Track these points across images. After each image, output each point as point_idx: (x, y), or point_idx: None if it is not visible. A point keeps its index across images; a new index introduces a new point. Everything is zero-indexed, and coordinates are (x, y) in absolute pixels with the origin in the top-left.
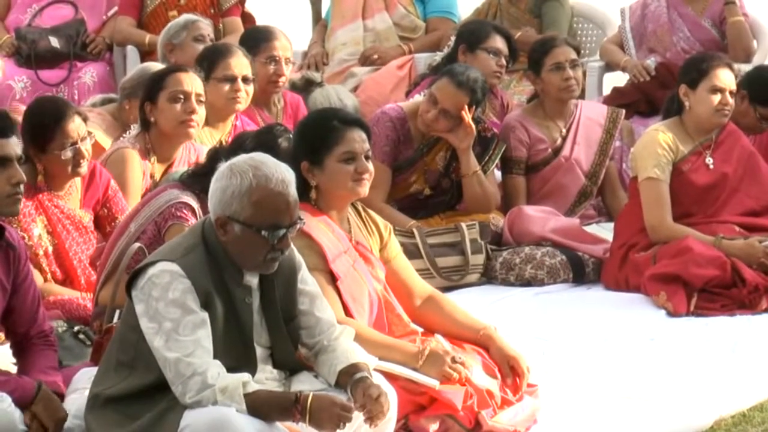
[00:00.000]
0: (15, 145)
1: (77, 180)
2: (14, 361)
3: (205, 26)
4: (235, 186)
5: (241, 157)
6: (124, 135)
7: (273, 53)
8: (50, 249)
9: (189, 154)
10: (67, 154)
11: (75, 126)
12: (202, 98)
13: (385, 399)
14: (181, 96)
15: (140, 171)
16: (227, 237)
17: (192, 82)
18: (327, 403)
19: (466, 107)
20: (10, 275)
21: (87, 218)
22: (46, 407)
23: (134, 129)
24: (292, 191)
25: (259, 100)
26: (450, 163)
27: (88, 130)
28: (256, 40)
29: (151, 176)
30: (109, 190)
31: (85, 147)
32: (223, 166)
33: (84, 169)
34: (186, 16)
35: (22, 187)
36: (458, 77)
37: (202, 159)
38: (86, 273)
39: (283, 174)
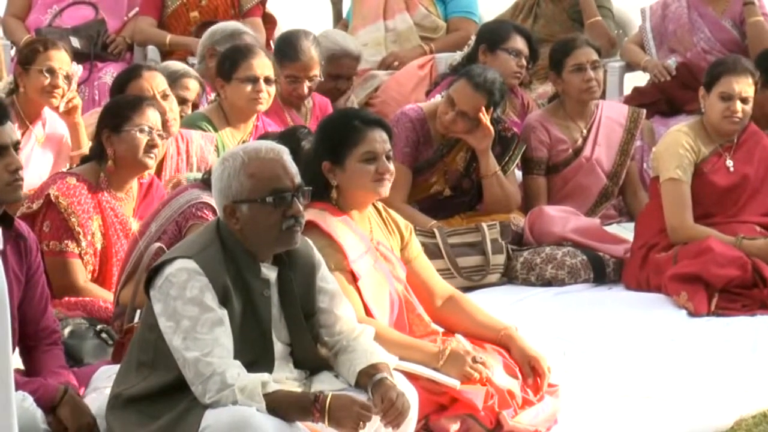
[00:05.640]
0: (10, 132)
1: (135, 187)
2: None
3: (251, 39)
4: (229, 168)
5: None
6: None
7: (296, 74)
8: (98, 249)
9: (178, 143)
10: (143, 136)
11: (153, 114)
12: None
13: (403, 400)
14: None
15: None
16: (239, 224)
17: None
18: (346, 402)
19: (484, 109)
20: (23, 266)
21: (135, 227)
22: (72, 411)
23: None
24: (287, 158)
25: (287, 100)
26: (470, 163)
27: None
28: (283, 54)
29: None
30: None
31: (161, 140)
32: (216, 161)
33: (152, 161)
34: (235, 26)
35: (21, 173)
36: (476, 79)
37: (192, 145)
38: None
39: (274, 144)
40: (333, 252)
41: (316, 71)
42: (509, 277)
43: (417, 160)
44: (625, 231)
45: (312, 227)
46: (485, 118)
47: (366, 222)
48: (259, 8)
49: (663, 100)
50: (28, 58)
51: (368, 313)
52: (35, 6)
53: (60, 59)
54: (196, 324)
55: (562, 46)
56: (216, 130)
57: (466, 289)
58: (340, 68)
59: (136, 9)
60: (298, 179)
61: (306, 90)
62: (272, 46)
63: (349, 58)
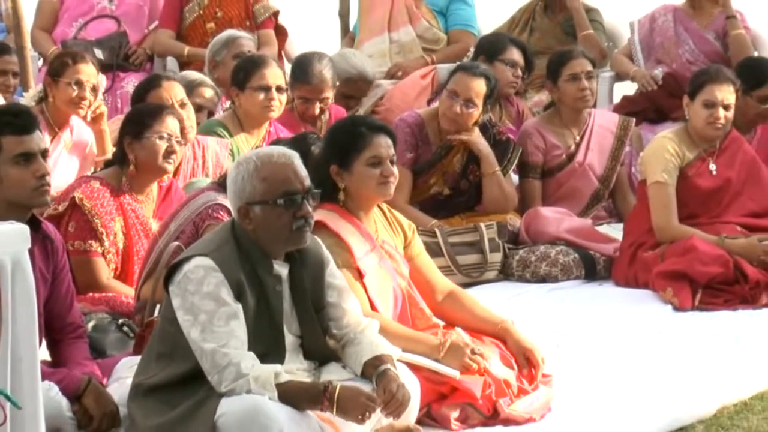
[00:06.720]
0: (39, 140)
1: (155, 190)
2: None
3: (247, 42)
4: (243, 172)
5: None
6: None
7: (307, 96)
8: (120, 248)
9: (194, 149)
10: (162, 143)
11: (173, 122)
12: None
13: (403, 391)
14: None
15: None
16: (252, 224)
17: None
18: (354, 393)
19: (476, 96)
20: (49, 266)
21: (155, 227)
22: (96, 400)
23: None
24: (298, 163)
25: (302, 117)
26: (467, 164)
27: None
28: (296, 76)
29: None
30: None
31: (180, 147)
32: (231, 165)
33: (171, 166)
34: (228, 33)
35: (48, 178)
36: (471, 69)
37: (208, 151)
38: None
39: (285, 150)
40: (341, 250)
41: (328, 94)
42: (506, 274)
43: (417, 162)
44: (615, 231)
45: (321, 227)
46: (465, 136)
47: (372, 222)
48: (272, 20)
49: (650, 108)
50: (57, 70)
51: (373, 307)
52: (62, 19)
53: (87, 72)
54: (213, 317)
55: (559, 57)
56: (231, 135)
57: (465, 286)
58: (355, 90)
59: (156, 22)
60: (307, 182)
61: (317, 111)
62: (283, 57)
63: (364, 82)
